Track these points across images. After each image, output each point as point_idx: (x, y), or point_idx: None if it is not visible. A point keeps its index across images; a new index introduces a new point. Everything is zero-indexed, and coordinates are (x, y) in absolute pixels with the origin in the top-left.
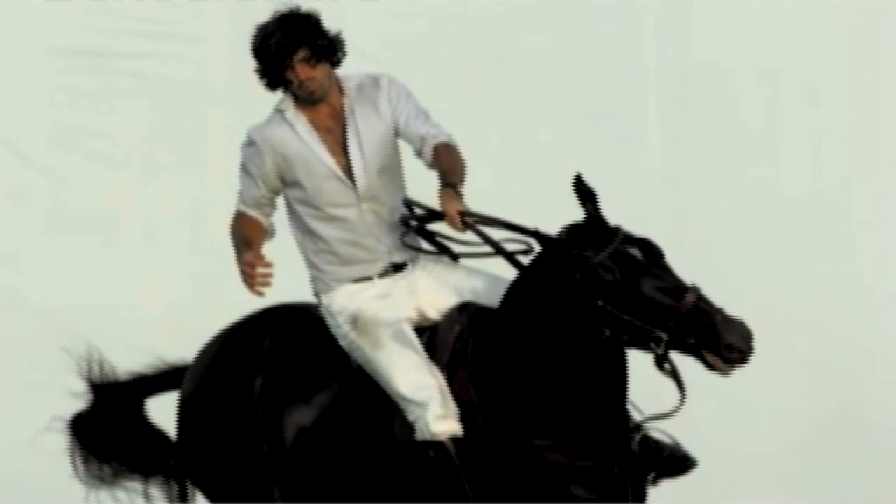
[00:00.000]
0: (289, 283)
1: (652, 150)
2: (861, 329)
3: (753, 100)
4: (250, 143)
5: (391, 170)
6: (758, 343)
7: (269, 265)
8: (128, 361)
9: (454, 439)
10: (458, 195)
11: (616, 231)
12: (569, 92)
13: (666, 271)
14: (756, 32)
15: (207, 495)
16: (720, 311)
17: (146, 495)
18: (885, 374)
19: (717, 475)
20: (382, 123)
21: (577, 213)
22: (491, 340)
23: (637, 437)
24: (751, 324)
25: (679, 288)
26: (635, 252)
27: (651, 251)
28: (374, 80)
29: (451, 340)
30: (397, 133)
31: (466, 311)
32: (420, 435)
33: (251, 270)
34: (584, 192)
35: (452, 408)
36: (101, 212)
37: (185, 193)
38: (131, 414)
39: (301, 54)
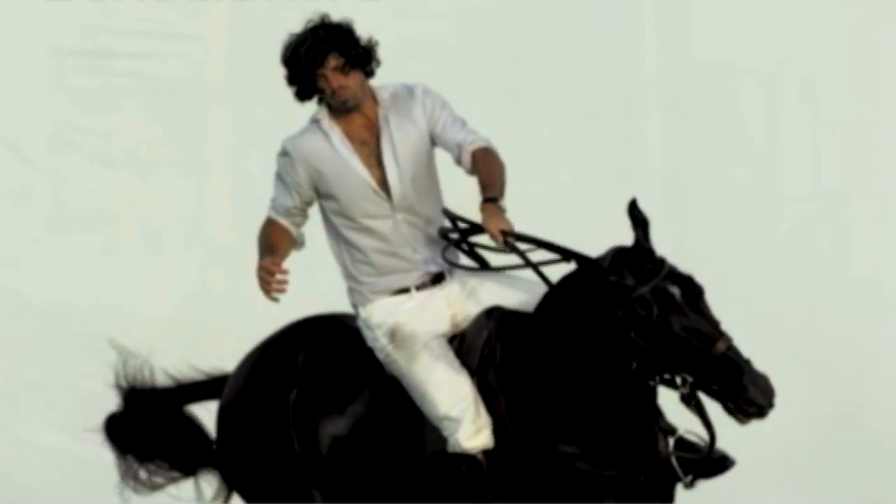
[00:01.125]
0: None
1: (652, 150)
2: (860, 329)
3: (753, 100)
4: (284, 154)
5: (426, 180)
6: (757, 343)
7: (285, 272)
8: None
9: (485, 451)
10: (501, 210)
11: (660, 265)
12: (569, 92)
13: (702, 314)
14: (756, 32)
15: (246, 499)
16: (747, 363)
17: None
18: (884, 375)
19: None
20: (417, 133)
21: (576, 214)
22: (520, 348)
23: (672, 440)
24: (749, 323)
25: (711, 334)
26: (675, 290)
27: (691, 290)
28: (409, 90)
29: (480, 346)
30: (434, 142)
31: (493, 317)
32: (452, 448)
33: (267, 276)
34: (637, 219)
35: (485, 420)
36: (101, 212)
37: (185, 193)
38: (171, 419)
39: (333, 62)
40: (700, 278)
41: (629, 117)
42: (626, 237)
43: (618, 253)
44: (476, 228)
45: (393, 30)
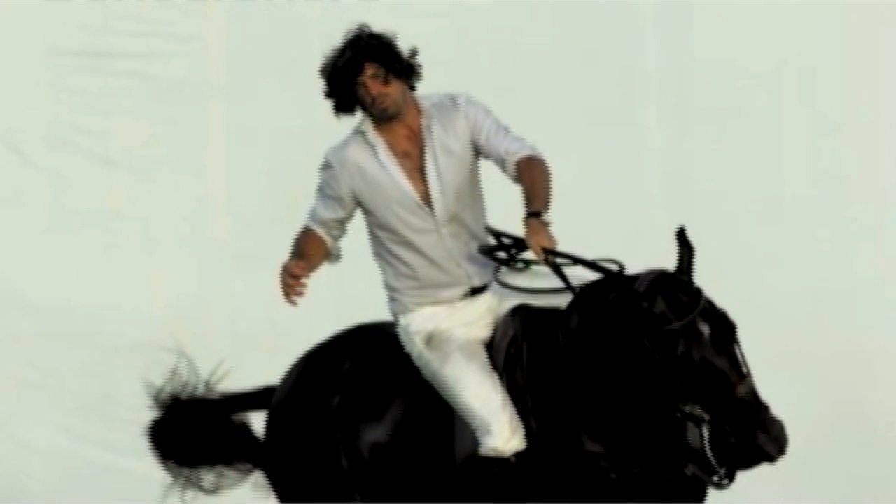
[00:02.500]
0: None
1: (652, 150)
2: (861, 329)
3: (753, 100)
4: (327, 166)
5: (470, 192)
6: (757, 343)
7: (304, 275)
8: (128, 361)
9: (517, 454)
10: (544, 226)
11: (697, 299)
12: (569, 92)
13: (727, 355)
14: (756, 32)
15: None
16: (766, 409)
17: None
18: (885, 374)
19: None
20: (460, 144)
21: (576, 214)
22: (546, 348)
23: (706, 430)
24: (750, 324)
25: (732, 377)
26: (705, 328)
27: (722, 329)
28: (453, 100)
29: (505, 345)
30: (478, 151)
31: (519, 315)
32: (485, 450)
33: (289, 279)
34: (685, 246)
35: (517, 422)
36: (101, 212)
37: (185, 193)
38: (222, 426)
39: (371, 70)
40: (700, 278)
41: (629, 117)
42: (626, 237)
43: (655, 280)
44: (519, 244)
45: (393, 30)
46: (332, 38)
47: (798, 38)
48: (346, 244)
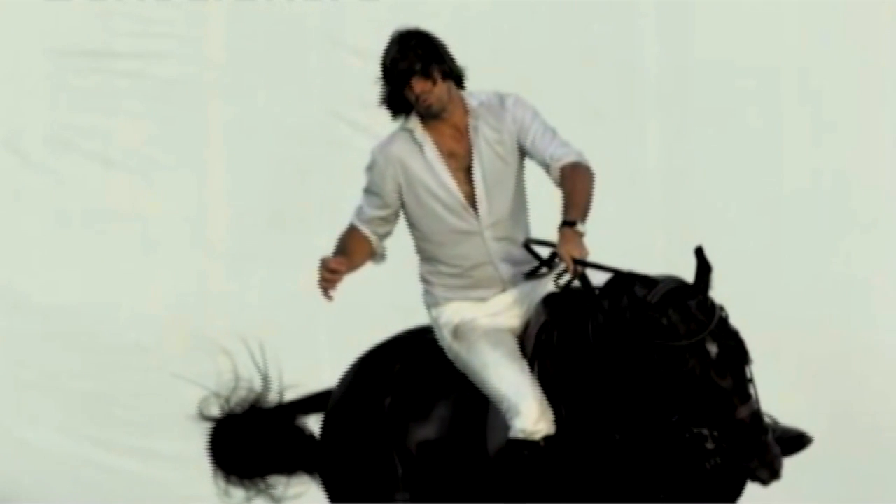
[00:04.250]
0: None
1: (652, 150)
2: (860, 329)
3: (753, 100)
4: (372, 164)
5: (514, 195)
6: (757, 343)
7: (342, 270)
8: (128, 361)
9: (546, 437)
10: (577, 235)
11: (710, 317)
12: (569, 92)
13: (735, 377)
14: (756, 32)
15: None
16: (766, 434)
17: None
18: (885, 374)
19: None
20: (507, 146)
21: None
22: (576, 339)
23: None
24: (750, 324)
25: (735, 399)
26: (713, 349)
27: (730, 350)
28: (500, 100)
29: (536, 332)
30: (524, 153)
31: (552, 303)
32: (514, 433)
33: (326, 273)
34: (702, 264)
35: (546, 406)
36: (101, 212)
37: (185, 193)
38: (280, 435)
39: (417, 66)
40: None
41: (629, 117)
42: (626, 237)
43: (670, 292)
44: (553, 257)
45: (392, 29)
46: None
47: (798, 38)
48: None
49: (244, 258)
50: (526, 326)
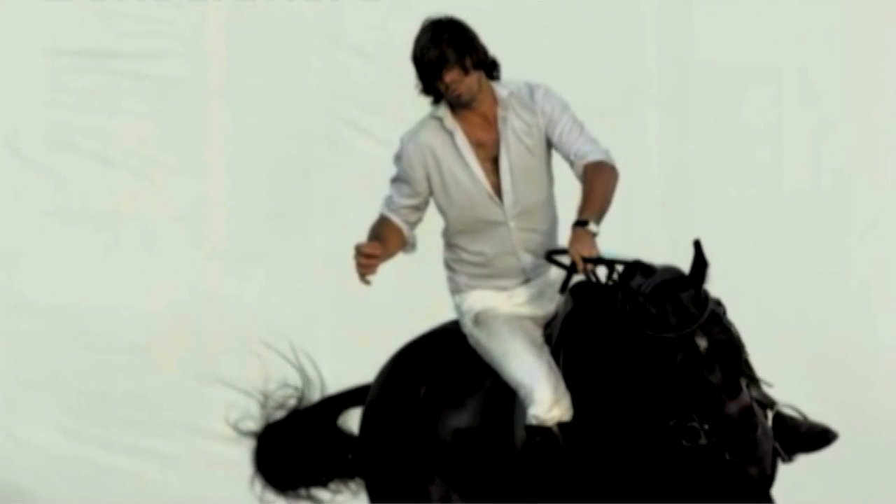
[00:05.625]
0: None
1: (652, 150)
2: (861, 329)
3: (753, 100)
4: (402, 152)
5: (541, 187)
6: (757, 342)
7: (377, 255)
8: (128, 361)
9: (561, 424)
10: (588, 235)
11: (702, 310)
12: (569, 92)
13: (725, 372)
14: (756, 32)
15: (374, 491)
16: (754, 429)
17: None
18: (885, 374)
19: None
20: (535, 138)
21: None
22: (600, 327)
23: (770, 414)
24: (750, 323)
25: (723, 393)
26: (702, 342)
27: (720, 344)
28: (530, 91)
29: (562, 320)
30: (551, 147)
31: (578, 291)
32: (529, 421)
33: (362, 258)
34: (699, 257)
35: (563, 392)
36: (101, 212)
37: (185, 193)
38: (325, 434)
39: (450, 57)
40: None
41: (629, 117)
42: (626, 237)
43: (664, 284)
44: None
45: (393, 30)
46: (332, 38)
47: (798, 38)
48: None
49: (244, 258)
50: (555, 315)
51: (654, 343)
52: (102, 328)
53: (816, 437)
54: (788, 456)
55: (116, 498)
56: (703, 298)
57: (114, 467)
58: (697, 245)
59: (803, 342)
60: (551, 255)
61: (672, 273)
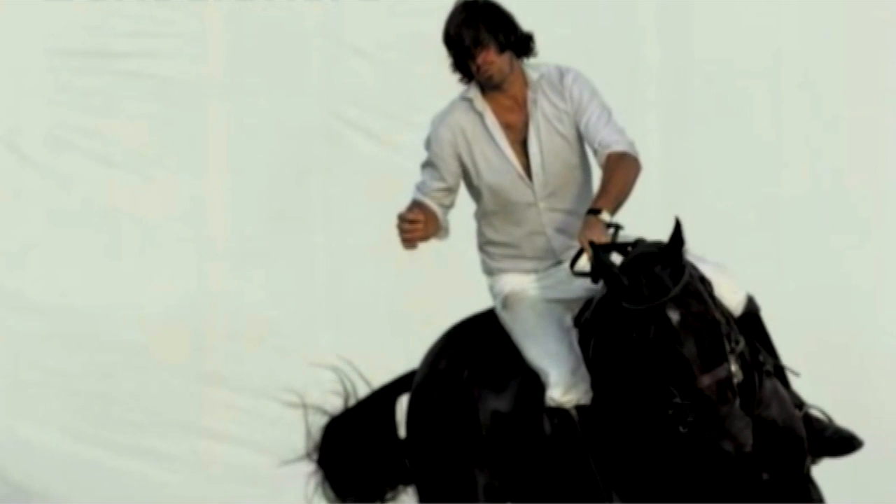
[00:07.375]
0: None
1: (652, 150)
2: (861, 329)
3: (753, 99)
4: (433, 135)
5: (572, 168)
6: None
7: (420, 220)
8: (128, 361)
9: (579, 407)
10: (599, 223)
11: (675, 281)
12: None
13: (700, 345)
14: (756, 32)
15: (419, 476)
16: (729, 404)
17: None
18: (885, 374)
19: None
20: (564, 122)
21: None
22: (613, 313)
23: (800, 415)
24: None
25: (696, 366)
26: (674, 315)
27: (698, 317)
28: (560, 75)
29: (594, 306)
30: (579, 133)
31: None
32: (547, 402)
33: (406, 224)
34: (677, 234)
35: (582, 375)
36: (101, 212)
37: (185, 193)
38: (385, 427)
39: (483, 37)
40: None
41: (629, 117)
42: (626, 238)
43: (640, 257)
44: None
45: (392, 29)
46: (332, 38)
47: (798, 37)
48: (337, 245)
49: (244, 258)
50: (591, 300)
51: (630, 316)
52: (102, 328)
53: (842, 443)
54: (813, 458)
55: (116, 498)
56: (679, 272)
57: (114, 467)
58: (677, 222)
59: (802, 342)
60: (574, 273)
61: (650, 246)
